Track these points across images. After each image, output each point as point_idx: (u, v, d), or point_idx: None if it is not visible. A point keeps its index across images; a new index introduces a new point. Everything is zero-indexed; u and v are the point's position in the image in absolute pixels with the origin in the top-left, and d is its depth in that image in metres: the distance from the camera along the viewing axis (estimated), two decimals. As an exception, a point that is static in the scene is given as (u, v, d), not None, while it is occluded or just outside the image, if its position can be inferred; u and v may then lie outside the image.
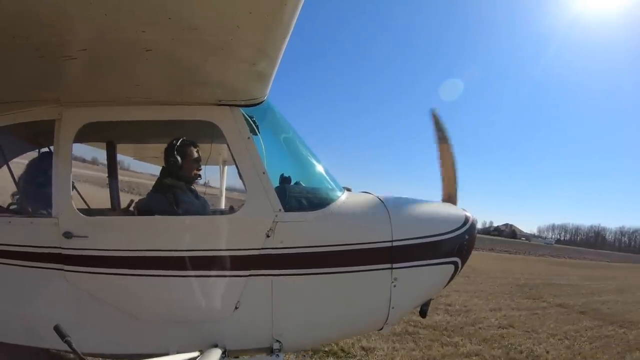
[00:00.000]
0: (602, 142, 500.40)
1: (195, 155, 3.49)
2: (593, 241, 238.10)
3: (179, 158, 3.32)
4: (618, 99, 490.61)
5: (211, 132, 3.17)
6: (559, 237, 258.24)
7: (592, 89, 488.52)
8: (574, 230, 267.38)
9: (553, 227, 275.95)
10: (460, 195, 3.92)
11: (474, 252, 3.87)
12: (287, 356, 5.05)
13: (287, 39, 2.28)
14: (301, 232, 3.10)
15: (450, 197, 3.90)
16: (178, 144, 3.35)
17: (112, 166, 4.54)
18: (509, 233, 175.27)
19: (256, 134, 3.20)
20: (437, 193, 3.97)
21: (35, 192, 3.44)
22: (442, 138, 3.89)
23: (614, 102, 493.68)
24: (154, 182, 3.42)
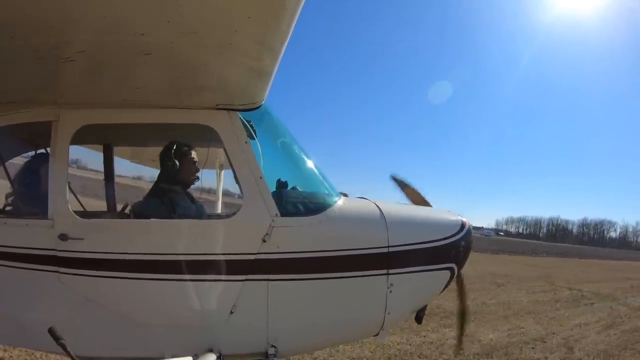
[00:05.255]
0: (559, 137, 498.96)
1: (193, 159, 3.49)
2: (553, 234, 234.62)
3: (176, 162, 3.32)
4: (580, 96, 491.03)
5: (208, 136, 3.17)
6: (517, 230, 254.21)
7: (556, 83, 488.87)
8: (532, 223, 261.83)
9: (511, 220, 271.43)
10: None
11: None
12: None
13: (286, 43, 2.30)
14: (297, 237, 3.09)
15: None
16: (175, 147, 3.35)
17: (109, 169, 4.53)
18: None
19: (253, 139, 3.21)
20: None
21: (31, 194, 3.42)
22: (404, 187, 4.35)
23: (577, 100, 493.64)
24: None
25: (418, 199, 4.16)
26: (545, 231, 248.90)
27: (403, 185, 4.35)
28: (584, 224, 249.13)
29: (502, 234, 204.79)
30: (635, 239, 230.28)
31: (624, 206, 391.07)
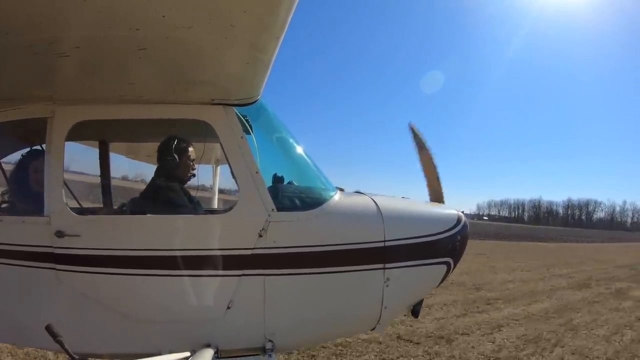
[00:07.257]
0: (539, 120, 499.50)
1: (190, 154, 3.49)
2: (537, 217, 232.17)
3: (175, 157, 3.32)
4: (560, 80, 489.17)
5: (204, 132, 3.16)
6: (500, 214, 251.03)
7: (536, 68, 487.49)
8: (515, 206, 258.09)
9: (493, 204, 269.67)
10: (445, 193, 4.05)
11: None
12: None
13: (282, 38, 2.29)
14: (294, 231, 3.10)
15: (437, 196, 4.00)
16: (173, 143, 3.34)
17: (105, 165, 4.52)
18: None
19: (249, 134, 3.21)
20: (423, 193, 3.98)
21: (27, 191, 3.41)
22: (421, 147, 4.04)
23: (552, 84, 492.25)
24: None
25: (430, 170, 4.04)
26: (530, 214, 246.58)
27: (420, 145, 4.05)
28: (569, 205, 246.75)
29: (486, 218, 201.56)
30: (622, 219, 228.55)
31: (607, 187, 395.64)
